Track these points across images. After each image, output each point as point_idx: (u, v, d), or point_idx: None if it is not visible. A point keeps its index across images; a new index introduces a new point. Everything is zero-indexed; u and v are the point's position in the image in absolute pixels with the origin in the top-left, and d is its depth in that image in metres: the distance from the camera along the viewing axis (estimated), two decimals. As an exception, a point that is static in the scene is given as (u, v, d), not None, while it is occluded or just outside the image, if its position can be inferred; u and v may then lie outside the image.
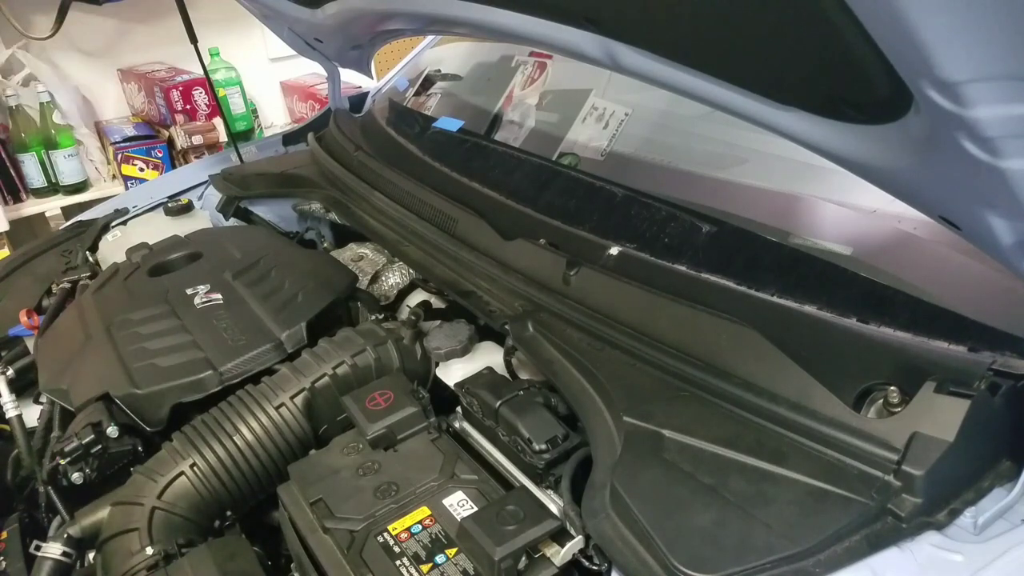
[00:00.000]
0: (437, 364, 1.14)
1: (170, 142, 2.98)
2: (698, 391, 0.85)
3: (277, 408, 1.04)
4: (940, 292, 0.83)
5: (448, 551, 0.79)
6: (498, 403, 0.92)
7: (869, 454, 0.72)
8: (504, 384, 0.98)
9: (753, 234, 1.00)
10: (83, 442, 1.04)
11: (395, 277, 1.43)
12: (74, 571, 0.98)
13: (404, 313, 1.33)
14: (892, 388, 0.75)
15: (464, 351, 1.11)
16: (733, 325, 0.87)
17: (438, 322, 1.19)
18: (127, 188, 2.80)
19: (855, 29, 0.54)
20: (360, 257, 1.53)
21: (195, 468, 0.98)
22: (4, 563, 1.01)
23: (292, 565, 0.93)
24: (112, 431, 1.06)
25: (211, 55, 3.02)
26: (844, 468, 0.72)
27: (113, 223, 1.81)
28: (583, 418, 0.87)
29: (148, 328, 1.23)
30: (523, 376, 1.05)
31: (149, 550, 0.90)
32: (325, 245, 1.67)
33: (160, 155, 2.95)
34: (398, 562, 0.79)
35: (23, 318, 1.39)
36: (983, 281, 0.85)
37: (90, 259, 1.67)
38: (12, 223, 2.81)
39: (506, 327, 1.04)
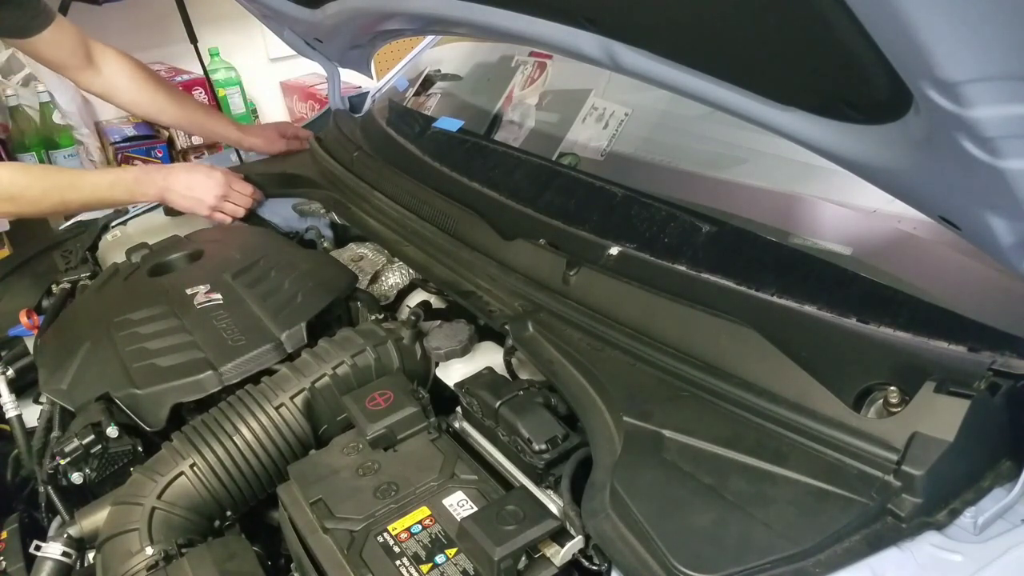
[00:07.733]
0: (437, 364, 1.14)
1: (170, 142, 2.98)
2: (698, 391, 0.85)
3: (277, 408, 1.04)
4: (940, 292, 0.83)
5: (448, 551, 0.79)
6: (498, 403, 0.92)
7: (869, 454, 0.71)
8: (504, 384, 0.98)
9: (753, 234, 1.00)
10: (83, 442, 1.04)
11: (395, 277, 1.43)
12: (74, 571, 0.97)
13: (404, 313, 1.33)
14: (892, 388, 0.75)
15: (464, 351, 1.10)
16: (733, 325, 0.87)
17: (438, 322, 1.18)
18: (127, 188, 2.79)
19: (855, 29, 0.54)
20: (360, 257, 1.53)
21: (195, 468, 0.98)
22: (4, 563, 1.01)
23: (292, 565, 0.93)
24: (112, 431, 1.06)
25: (211, 55, 3.02)
26: (844, 468, 0.72)
27: (113, 223, 1.81)
28: (583, 418, 0.87)
29: (148, 328, 1.23)
30: (523, 376, 1.05)
31: (149, 550, 0.90)
32: (325, 245, 1.66)
33: (160, 155, 2.95)
34: (398, 562, 0.79)
35: (23, 318, 1.39)
36: (983, 281, 0.85)
37: (90, 259, 1.67)
38: (12, 223, 2.80)
39: (506, 327, 1.04)
